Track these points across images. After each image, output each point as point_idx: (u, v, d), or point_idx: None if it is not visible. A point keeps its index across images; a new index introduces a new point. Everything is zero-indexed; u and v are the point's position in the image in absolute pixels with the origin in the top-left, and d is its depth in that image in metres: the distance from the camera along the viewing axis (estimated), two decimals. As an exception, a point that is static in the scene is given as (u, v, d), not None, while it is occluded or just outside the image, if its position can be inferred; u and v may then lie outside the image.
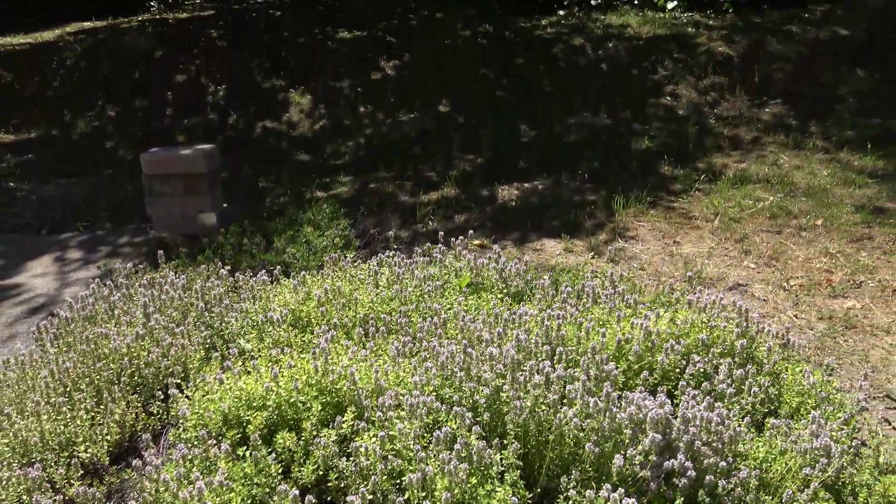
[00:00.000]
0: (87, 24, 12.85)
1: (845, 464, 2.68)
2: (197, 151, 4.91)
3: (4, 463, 2.61)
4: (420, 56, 10.30)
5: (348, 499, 2.36)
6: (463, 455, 2.48)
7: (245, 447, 2.62)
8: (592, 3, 12.09)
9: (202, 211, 5.00)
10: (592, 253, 5.24)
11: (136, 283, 3.88)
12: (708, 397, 2.78)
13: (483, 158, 7.80)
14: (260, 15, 12.26)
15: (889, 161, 6.83)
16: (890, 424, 3.37)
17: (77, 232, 6.02)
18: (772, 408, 3.14)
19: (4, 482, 2.51)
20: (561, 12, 11.90)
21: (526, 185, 6.81)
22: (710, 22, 10.78)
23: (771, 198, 6.11)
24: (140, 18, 13.03)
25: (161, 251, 4.30)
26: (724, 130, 8.20)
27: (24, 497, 2.49)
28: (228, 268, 4.09)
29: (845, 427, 2.96)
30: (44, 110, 9.80)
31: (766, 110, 8.69)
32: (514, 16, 11.67)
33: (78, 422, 2.85)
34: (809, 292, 4.57)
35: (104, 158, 8.62)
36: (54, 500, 2.46)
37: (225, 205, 5.32)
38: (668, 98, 9.10)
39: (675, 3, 11.82)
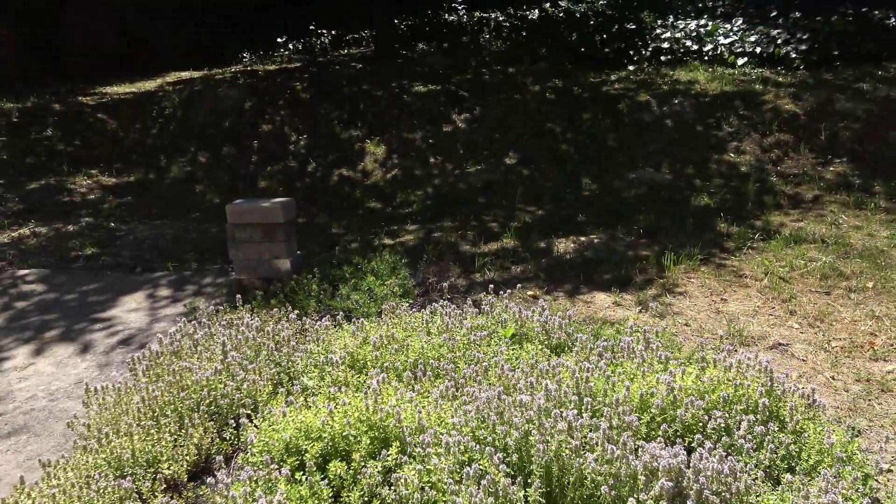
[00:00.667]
0: (184, 75, 13.97)
1: (852, 521, 2.86)
2: (275, 204, 5.44)
3: (102, 474, 3.08)
4: (490, 110, 10.79)
5: (387, 523, 2.71)
6: (490, 490, 2.80)
7: (302, 472, 3.01)
8: (662, 58, 12.34)
9: (277, 257, 5.51)
10: (640, 307, 5.48)
11: (217, 323, 4.37)
12: (721, 450, 3.01)
13: (543, 211, 8.14)
14: (342, 68, 13.05)
15: (951, 224, 6.83)
16: (913, 487, 3.49)
17: (167, 272, 6.64)
18: (791, 464, 3.32)
19: (102, 491, 2.96)
20: (630, 67, 12.20)
21: (582, 238, 7.11)
22: (780, 79, 10.90)
23: (824, 258, 6.22)
24: (233, 70, 14.06)
25: (239, 294, 4.80)
26: (784, 188, 8.31)
27: (117, 504, 2.94)
28: (297, 311, 4.55)
29: (862, 486, 3.13)
30: (143, 156, 10.71)
31: (830, 169, 8.75)
32: (585, 71, 12.06)
33: (163, 443, 3.31)
34: (850, 354, 4.69)
35: (194, 202, 9.37)
36: (140, 509, 2.90)
37: (298, 252, 5.82)
38: (732, 155, 9.26)
39: (746, 59, 11.95)
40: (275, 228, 5.44)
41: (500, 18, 14.92)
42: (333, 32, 16.43)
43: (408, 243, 7.23)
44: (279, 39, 16.59)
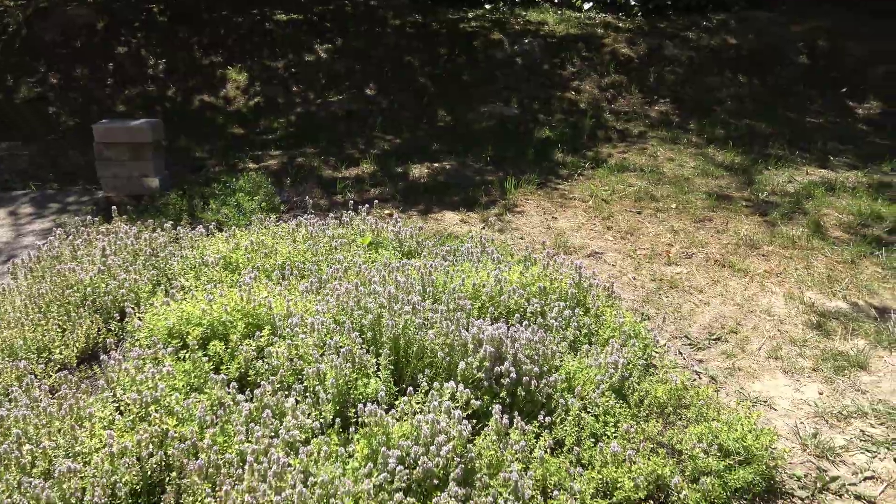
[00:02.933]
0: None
1: (628, 374, 3.72)
2: (143, 123, 5.68)
3: (-2, 358, 3.43)
4: (351, 41, 11.10)
5: (260, 388, 3.27)
6: (348, 358, 3.42)
7: (185, 352, 3.51)
8: (516, -1, 13.04)
9: (146, 175, 5.78)
10: (483, 224, 6.24)
11: (94, 231, 4.67)
12: (535, 326, 3.79)
13: (401, 140, 8.72)
14: (200, -8, 12.79)
15: (745, 157, 8.04)
16: (682, 356, 4.46)
17: (28, 190, 6.68)
18: (591, 340, 4.17)
19: (-1, 371, 3.33)
20: (487, 6, 12.82)
21: (436, 165, 7.77)
22: (620, 24, 11.88)
23: (640, 184, 7.22)
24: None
25: (112, 207, 5.08)
26: (615, 124, 9.32)
27: (15, 383, 3.31)
28: (171, 222, 4.91)
29: (642, 353, 4.02)
30: (-14, 74, 10.21)
31: (655, 108, 9.85)
32: (444, 7, 12.54)
33: (52, 333, 3.68)
34: (650, 260, 5.67)
35: (48, 124, 9.18)
36: (39, 386, 3.29)
37: (166, 171, 6.10)
38: (573, 93, 10.17)
39: (591, 3, 12.87)
40: (143, 147, 5.69)
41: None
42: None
43: (271, 168, 7.59)
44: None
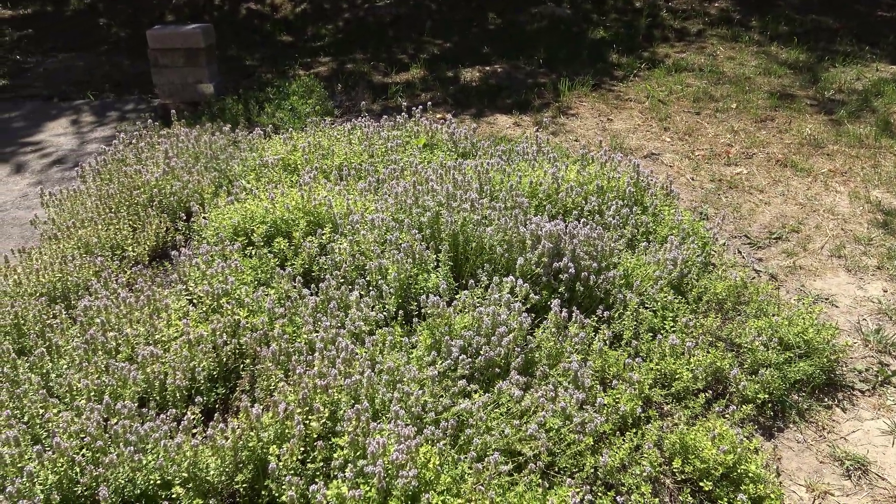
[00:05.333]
0: None
1: (688, 271, 3.71)
2: (196, 29, 5.67)
3: (76, 255, 3.58)
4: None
5: (324, 283, 3.36)
6: (409, 253, 3.48)
7: (251, 249, 3.61)
8: None
9: (200, 81, 5.81)
10: (537, 126, 6.15)
11: (155, 136, 4.76)
12: (591, 222, 3.78)
13: (451, 43, 8.54)
14: None
15: (810, 54, 7.68)
16: (741, 254, 4.41)
17: (87, 100, 6.79)
18: (649, 238, 4.15)
19: (78, 267, 3.48)
20: None
21: (487, 68, 7.62)
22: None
23: (698, 84, 6.99)
24: None
25: (173, 112, 5.15)
26: (673, 23, 8.95)
27: (94, 277, 3.47)
28: (228, 127, 4.97)
29: (700, 250, 3.99)
30: (36, -14, 10.26)
31: (715, 5, 9.42)
32: None
33: (124, 231, 3.82)
34: (709, 161, 5.55)
35: (99, 35, 9.22)
36: (116, 280, 3.44)
37: (219, 77, 6.12)
38: (628, -9, 9.76)
39: None
40: (197, 53, 5.70)
41: None
42: None
43: (322, 74, 7.55)
44: None
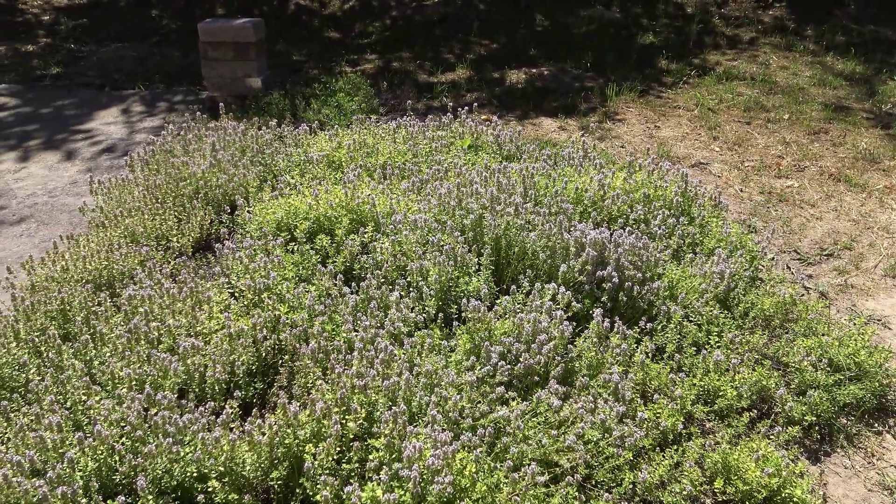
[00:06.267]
0: None
1: (734, 285, 3.62)
2: (246, 23, 5.72)
3: (122, 244, 3.63)
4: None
5: (365, 282, 3.35)
6: (451, 255, 3.45)
7: (294, 244, 3.61)
8: None
9: (249, 75, 5.86)
10: (582, 131, 6.08)
11: (203, 128, 4.80)
12: (637, 232, 3.71)
13: (497, 44, 8.49)
14: None
15: (867, 66, 7.47)
16: (790, 270, 4.30)
17: (137, 90, 6.90)
18: (695, 249, 4.06)
19: (124, 255, 3.52)
20: None
21: (533, 70, 7.56)
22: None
23: (750, 93, 6.84)
24: None
25: (221, 105, 5.20)
26: (725, 30, 8.79)
27: (138, 267, 3.51)
28: (275, 121, 4.99)
29: (748, 264, 3.90)
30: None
31: (769, 13, 9.22)
32: None
33: (169, 222, 3.86)
34: (759, 172, 5.42)
35: (150, 26, 9.37)
36: (160, 270, 3.47)
37: (268, 71, 6.16)
38: (679, -4, 9.61)
39: None
40: (247, 47, 5.74)
41: None
42: None
43: (367, 71, 7.56)
44: None
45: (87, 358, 2.90)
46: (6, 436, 2.55)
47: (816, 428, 3.08)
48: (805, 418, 3.02)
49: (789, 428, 2.86)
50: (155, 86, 7.08)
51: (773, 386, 3.11)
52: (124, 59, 7.92)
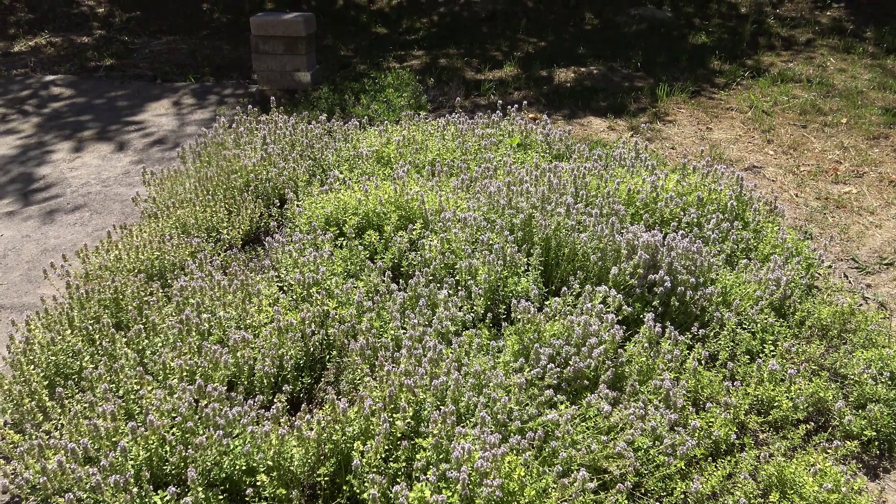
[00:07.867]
0: None
1: (790, 293, 3.52)
2: (297, 17, 5.74)
3: (173, 234, 3.67)
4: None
5: (413, 279, 3.33)
6: (500, 254, 3.42)
7: (343, 239, 3.61)
8: None
9: (298, 70, 5.89)
10: (632, 132, 5.98)
11: (254, 121, 4.84)
12: (690, 235, 3.63)
13: (546, 42, 8.41)
14: None
15: (930, 70, 7.23)
16: (848, 279, 4.17)
17: (188, 82, 6.99)
18: (749, 255, 3.96)
19: (175, 246, 3.56)
20: None
21: (582, 69, 7.47)
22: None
23: (806, 96, 6.67)
24: None
25: (271, 98, 5.23)
26: (780, 31, 8.58)
27: (189, 258, 3.54)
28: (324, 116, 5.01)
29: (804, 272, 3.79)
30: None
31: (827, 14, 8.97)
32: None
33: (219, 214, 3.89)
34: (815, 177, 5.27)
35: (202, 20, 9.49)
36: (210, 262, 3.50)
37: (317, 66, 6.19)
38: (733, -5, 9.41)
39: None
40: (297, 41, 5.77)
41: None
42: None
43: (415, 67, 7.55)
44: None
45: (140, 347, 2.93)
46: (60, 422, 2.59)
47: (876, 443, 2.97)
48: (864, 433, 2.92)
49: (847, 442, 2.77)
50: (205, 78, 7.16)
51: (831, 398, 3.02)
52: (175, 51, 8.04)
